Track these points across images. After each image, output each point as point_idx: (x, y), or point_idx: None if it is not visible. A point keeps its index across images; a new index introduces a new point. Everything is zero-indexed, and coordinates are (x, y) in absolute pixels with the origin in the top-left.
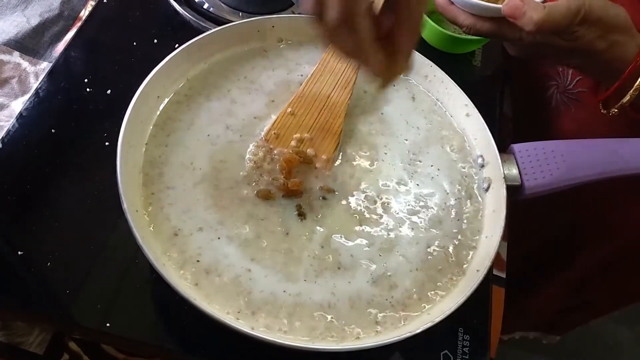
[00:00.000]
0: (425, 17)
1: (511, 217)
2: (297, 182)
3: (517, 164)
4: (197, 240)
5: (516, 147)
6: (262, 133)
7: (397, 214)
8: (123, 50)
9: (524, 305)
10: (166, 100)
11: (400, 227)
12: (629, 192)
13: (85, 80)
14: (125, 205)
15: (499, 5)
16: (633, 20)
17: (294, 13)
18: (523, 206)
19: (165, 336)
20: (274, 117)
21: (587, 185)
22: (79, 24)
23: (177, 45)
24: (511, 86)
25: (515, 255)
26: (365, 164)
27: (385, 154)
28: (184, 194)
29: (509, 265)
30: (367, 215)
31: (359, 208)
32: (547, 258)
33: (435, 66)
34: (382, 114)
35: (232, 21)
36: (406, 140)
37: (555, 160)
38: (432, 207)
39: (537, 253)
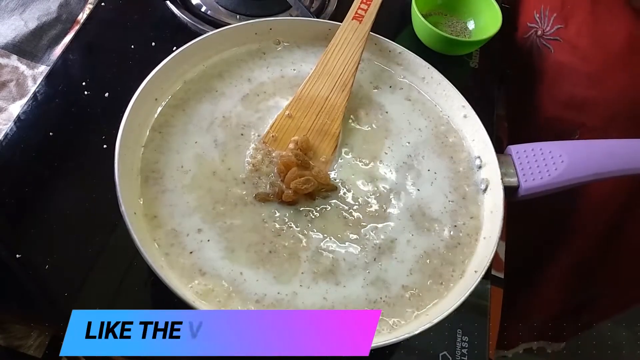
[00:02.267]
0: (423, 20)
1: (509, 218)
2: (290, 194)
3: (515, 165)
4: (195, 242)
5: (513, 148)
6: (261, 136)
7: (395, 216)
8: (121, 53)
9: (525, 311)
10: (164, 102)
11: (398, 229)
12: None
13: (83, 83)
14: (123, 208)
15: None
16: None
17: (291, 15)
18: (521, 206)
19: None
20: (272, 119)
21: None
22: (77, 27)
23: (174, 48)
24: (508, 86)
25: (514, 256)
26: (364, 166)
27: (386, 154)
28: (182, 196)
29: (507, 266)
30: (365, 218)
31: (356, 211)
32: (547, 256)
33: (433, 68)
34: (386, 112)
35: (229, 24)
36: (408, 142)
37: (553, 161)
38: (430, 209)
39: (537, 252)
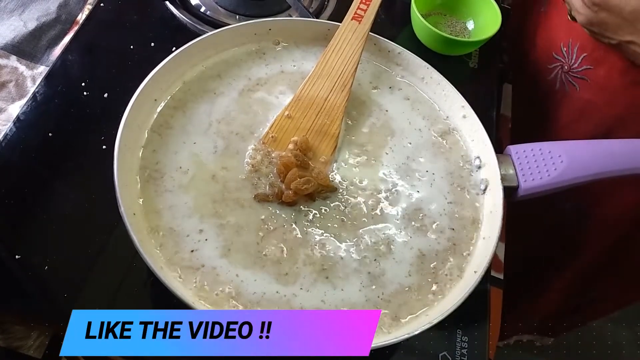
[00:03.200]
0: (423, 20)
1: (508, 218)
2: (291, 195)
3: (514, 165)
4: (194, 242)
5: (513, 148)
6: (260, 136)
7: (394, 217)
8: (120, 54)
9: (524, 309)
10: (163, 103)
11: (396, 230)
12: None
13: (83, 84)
14: (122, 209)
15: None
16: None
17: (290, 16)
18: (520, 207)
19: None
20: (272, 119)
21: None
22: (76, 27)
23: (174, 48)
24: (511, 83)
25: (513, 256)
26: (363, 167)
27: (387, 154)
28: (182, 197)
29: (506, 267)
30: (364, 219)
31: (355, 212)
32: (546, 257)
33: (432, 68)
34: (386, 112)
35: (228, 24)
36: (410, 143)
37: (552, 161)
38: (429, 210)
39: (536, 253)
